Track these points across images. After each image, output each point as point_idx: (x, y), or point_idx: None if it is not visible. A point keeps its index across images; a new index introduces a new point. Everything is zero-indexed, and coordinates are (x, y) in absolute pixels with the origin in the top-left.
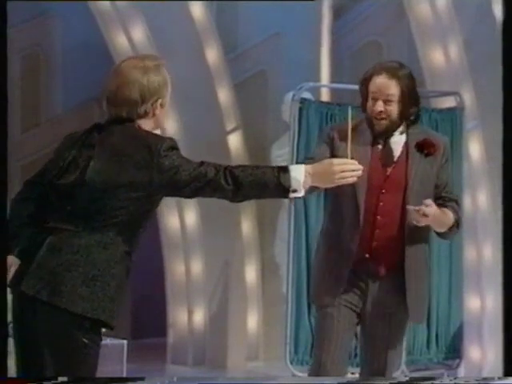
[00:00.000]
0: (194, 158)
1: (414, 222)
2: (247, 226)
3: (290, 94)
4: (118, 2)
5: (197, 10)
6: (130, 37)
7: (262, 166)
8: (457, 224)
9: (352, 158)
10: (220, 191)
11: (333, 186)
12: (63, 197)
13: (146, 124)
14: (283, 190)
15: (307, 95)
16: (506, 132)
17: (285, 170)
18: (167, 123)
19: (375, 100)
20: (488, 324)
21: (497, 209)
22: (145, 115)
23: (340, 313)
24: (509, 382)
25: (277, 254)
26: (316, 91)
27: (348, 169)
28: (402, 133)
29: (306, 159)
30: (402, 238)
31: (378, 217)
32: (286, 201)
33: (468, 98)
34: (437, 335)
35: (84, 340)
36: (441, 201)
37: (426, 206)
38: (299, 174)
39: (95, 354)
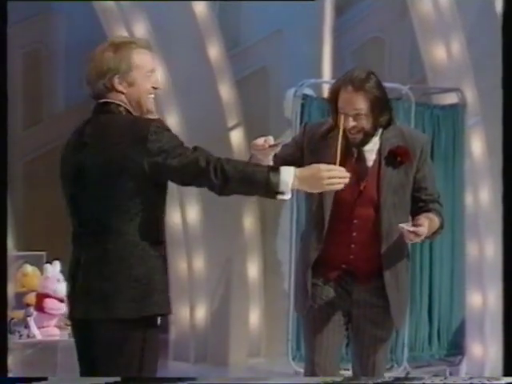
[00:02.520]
0: None
1: (407, 241)
2: (249, 223)
3: (292, 91)
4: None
5: (199, 8)
6: (133, 34)
7: (253, 164)
8: (441, 226)
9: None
10: (208, 183)
11: (319, 191)
12: (77, 206)
13: (119, 98)
14: (271, 191)
15: (309, 91)
16: (506, 129)
17: (275, 170)
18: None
19: (345, 116)
20: (490, 320)
21: (498, 205)
22: (107, 90)
23: (327, 315)
24: (502, 382)
25: (278, 250)
26: (318, 87)
27: (336, 175)
28: (375, 137)
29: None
30: (378, 247)
31: (354, 233)
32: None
33: (470, 94)
34: (439, 332)
35: (144, 337)
36: (422, 203)
37: (419, 225)
38: (288, 177)
39: (155, 348)
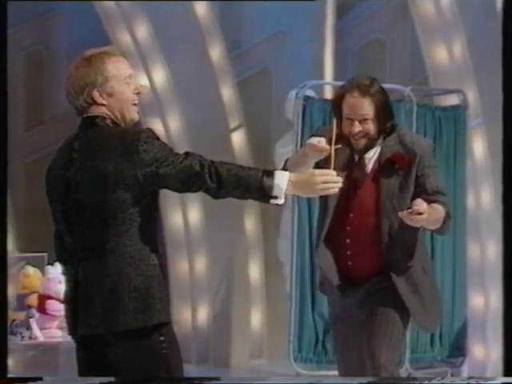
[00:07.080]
0: None
1: (411, 224)
2: (250, 224)
3: (294, 92)
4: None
5: (200, 9)
6: (134, 35)
7: (247, 168)
8: (448, 215)
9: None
10: (204, 187)
11: (313, 196)
12: (70, 223)
13: (102, 110)
14: (265, 195)
15: (311, 93)
16: (507, 130)
17: (269, 175)
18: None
19: (351, 121)
20: (492, 322)
21: (500, 207)
22: (89, 105)
23: (345, 316)
24: (498, 382)
25: (280, 252)
26: (319, 89)
27: (329, 180)
28: (377, 146)
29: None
30: (380, 253)
31: (348, 240)
32: (289, 199)
33: (471, 95)
34: (441, 333)
35: (160, 345)
36: (424, 197)
37: (417, 205)
38: (282, 182)
39: (173, 353)
